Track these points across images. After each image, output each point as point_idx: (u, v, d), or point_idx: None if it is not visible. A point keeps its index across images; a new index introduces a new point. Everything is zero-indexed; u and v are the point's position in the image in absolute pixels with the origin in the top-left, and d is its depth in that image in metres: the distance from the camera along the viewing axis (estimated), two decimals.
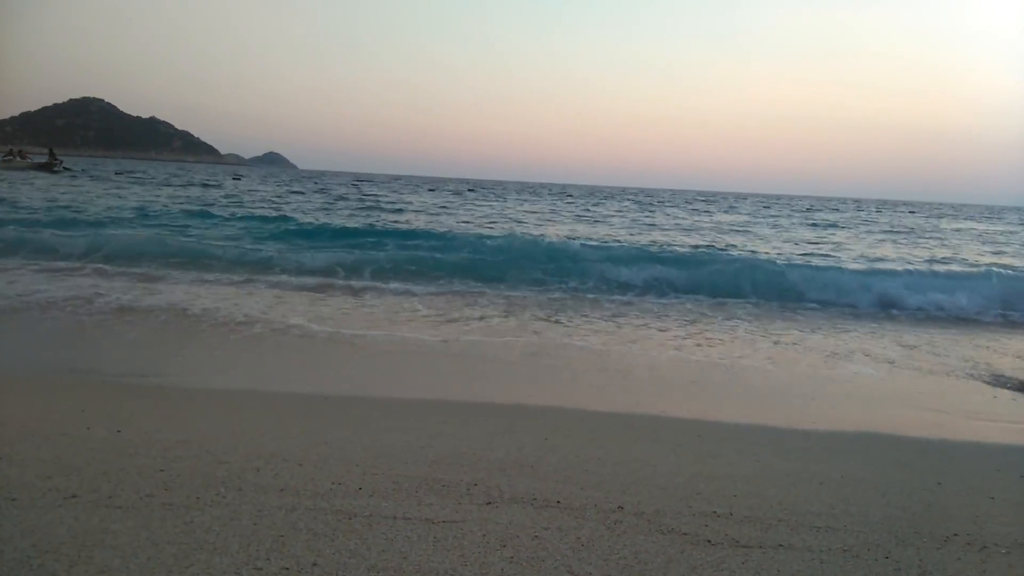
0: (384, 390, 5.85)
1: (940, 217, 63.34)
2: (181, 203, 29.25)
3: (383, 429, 4.54)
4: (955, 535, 3.38)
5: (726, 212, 50.55)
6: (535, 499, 3.46)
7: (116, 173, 61.28)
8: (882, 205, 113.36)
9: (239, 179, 62.95)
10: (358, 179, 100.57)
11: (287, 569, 2.57)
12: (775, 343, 9.08)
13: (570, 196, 67.28)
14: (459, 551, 2.80)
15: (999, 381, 7.57)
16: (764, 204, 75.94)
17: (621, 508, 3.43)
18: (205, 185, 48.61)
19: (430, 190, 64.92)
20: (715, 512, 3.47)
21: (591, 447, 4.44)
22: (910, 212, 65.87)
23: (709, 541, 3.10)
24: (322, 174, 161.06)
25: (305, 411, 4.94)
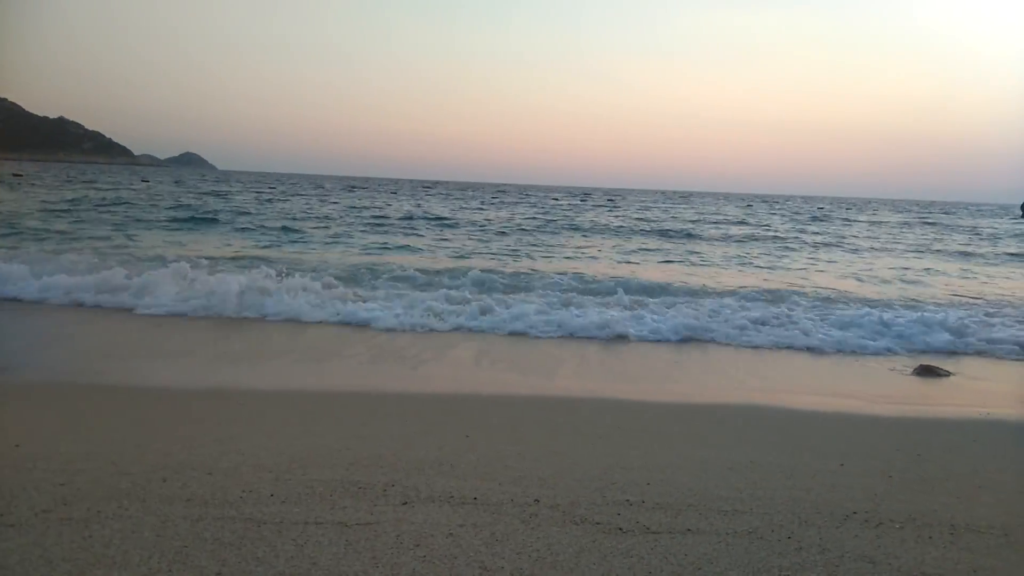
0: (306, 389, 5.73)
1: (847, 209, 66.45)
2: None
3: (301, 433, 4.45)
4: (854, 513, 3.54)
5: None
6: (452, 497, 3.46)
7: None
8: (795, 200, 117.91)
9: (147, 182, 59.63)
10: (279, 180, 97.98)
11: None
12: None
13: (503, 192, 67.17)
14: (371, 553, 2.78)
15: (901, 363, 7.98)
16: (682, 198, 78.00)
17: (537, 501, 3.46)
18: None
19: (353, 188, 63.90)
20: (628, 501, 3.54)
21: (512, 442, 4.47)
22: (818, 208, 68.90)
23: (620, 529, 3.17)
24: (244, 175, 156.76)
25: (220, 416, 4.80)
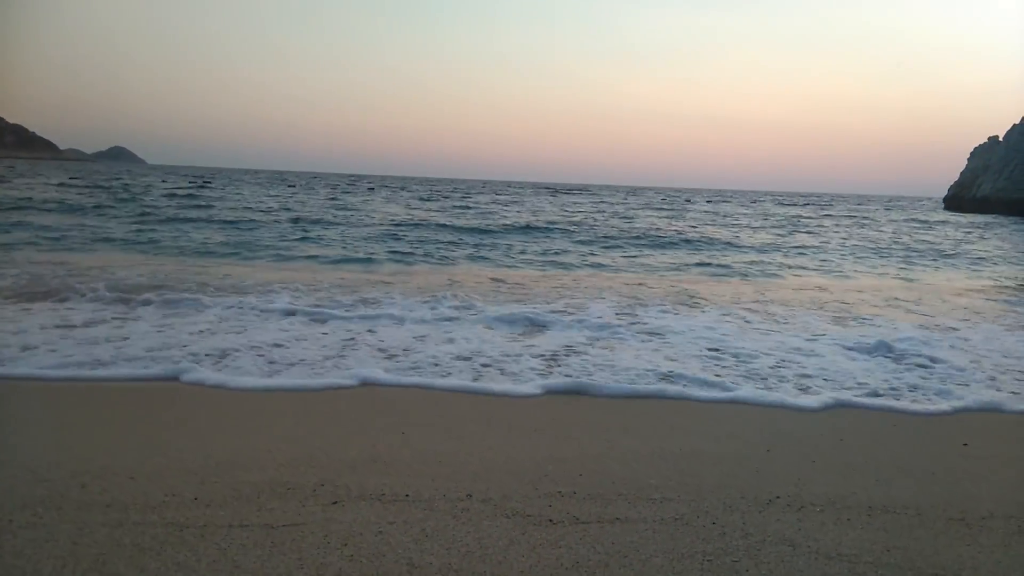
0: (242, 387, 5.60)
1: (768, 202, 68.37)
2: None
3: (231, 434, 4.36)
4: (777, 497, 3.65)
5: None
6: (383, 495, 3.44)
7: None
8: (740, 195, 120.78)
9: (76, 179, 56.04)
10: (212, 174, 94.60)
11: None
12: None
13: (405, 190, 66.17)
14: (297, 554, 2.74)
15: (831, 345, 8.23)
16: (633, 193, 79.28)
17: (470, 496, 3.47)
18: None
19: (293, 186, 62.63)
20: (560, 492, 3.58)
21: (447, 439, 4.46)
22: (752, 201, 70.87)
23: (551, 520, 3.20)
24: (174, 169, 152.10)
25: (146, 417, 4.65)
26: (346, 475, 3.69)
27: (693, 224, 32.40)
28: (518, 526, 3.12)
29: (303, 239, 19.02)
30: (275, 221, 23.89)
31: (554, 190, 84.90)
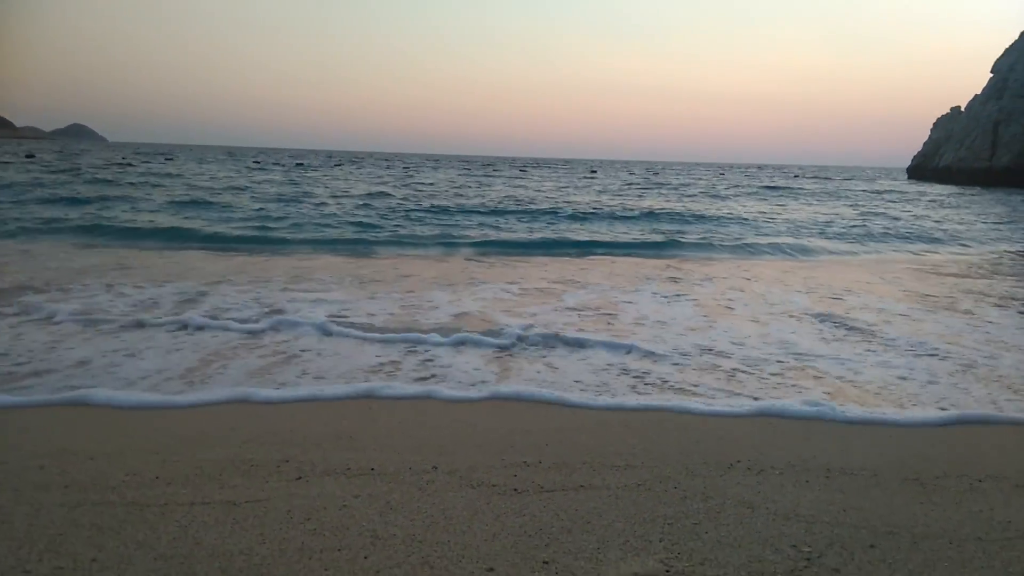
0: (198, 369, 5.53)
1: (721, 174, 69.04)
2: None
3: (192, 414, 4.31)
4: (738, 462, 3.71)
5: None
6: (349, 469, 3.44)
7: None
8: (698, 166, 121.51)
9: (32, 157, 53.68)
10: (172, 151, 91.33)
11: (61, 568, 2.40)
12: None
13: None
14: (259, 530, 2.73)
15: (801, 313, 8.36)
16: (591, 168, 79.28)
17: (435, 468, 3.48)
18: None
19: (257, 162, 61.56)
20: (526, 462, 3.60)
21: (414, 413, 4.46)
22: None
23: (516, 489, 3.22)
24: (138, 146, 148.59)
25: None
26: (311, 451, 3.68)
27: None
28: (483, 496, 3.14)
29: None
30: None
31: (522, 167, 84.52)
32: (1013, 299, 9.51)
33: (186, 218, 17.45)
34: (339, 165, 65.38)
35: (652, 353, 6.08)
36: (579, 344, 6.34)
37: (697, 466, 3.63)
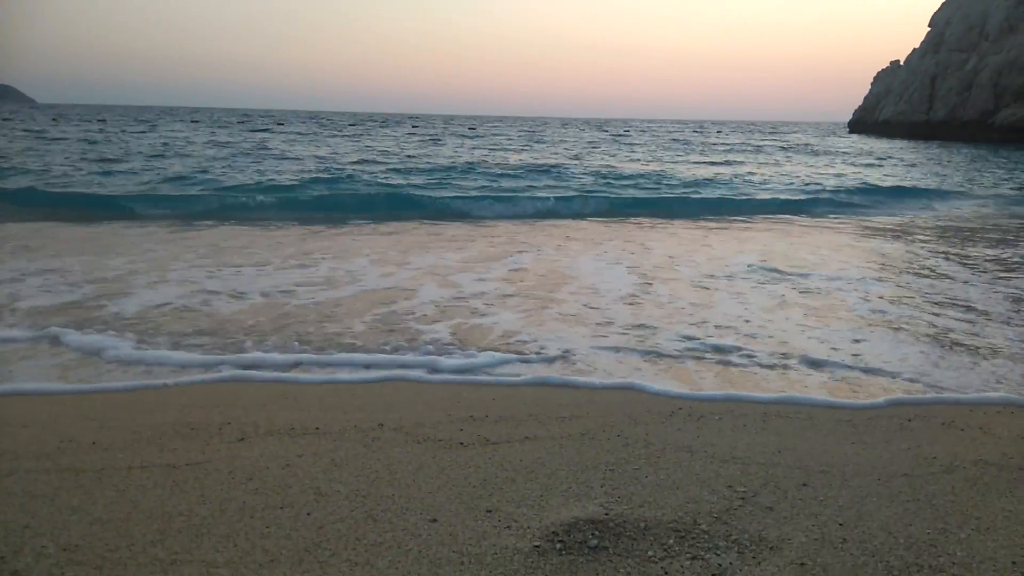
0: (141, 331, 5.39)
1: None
2: None
3: (132, 378, 4.21)
4: (680, 409, 3.80)
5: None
6: (293, 429, 3.41)
7: None
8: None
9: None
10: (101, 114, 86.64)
11: None
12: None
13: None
14: (199, 491, 2.70)
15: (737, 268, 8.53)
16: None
17: (381, 426, 3.48)
18: None
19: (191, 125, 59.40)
20: (472, 417, 3.62)
21: (363, 372, 4.44)
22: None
23: (461, 443, 3.24)
24: (73, 108, 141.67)
25: (32, 369, 4.45)
26: (254, 413, 3.63)
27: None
28: (428, 451, 3.16)
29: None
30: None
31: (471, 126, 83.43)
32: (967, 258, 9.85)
33: None
34: (279, 124, 63.60)
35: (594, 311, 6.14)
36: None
37: (640, 415, 3.70)
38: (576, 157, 28.90)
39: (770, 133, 72.49)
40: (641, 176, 20.78)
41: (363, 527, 2.42)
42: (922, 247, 10.30)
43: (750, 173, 23.83)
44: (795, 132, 74.42)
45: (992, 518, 2.54)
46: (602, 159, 28.22)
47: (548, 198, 15.07)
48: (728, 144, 46.21)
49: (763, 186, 19.77)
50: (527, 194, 15.87)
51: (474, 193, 15.74)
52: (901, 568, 2.18)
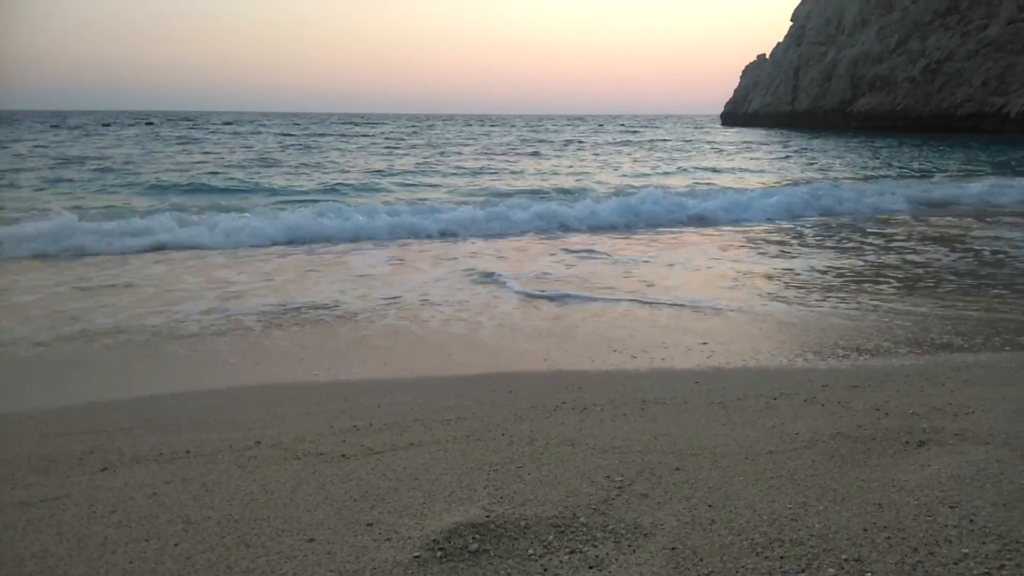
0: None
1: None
2: None
3: None
4: (563, 403, 3.86)
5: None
6: (161, 454, 3.23)
7: None
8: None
9: None
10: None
11: None
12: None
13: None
14: (56, 529, 2.52)
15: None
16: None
17: (259, 443, 3.35)
18: None
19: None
20: (356, 427, 3.55)
21: (232, 385, 4.28)
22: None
23: (343, 455, 3.17)
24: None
25: None
26: (119, 438, 3.43)
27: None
28: (308, 466, 3.07)
29: None
30: None
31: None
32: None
33: None
34: (150, 123, 60.10)
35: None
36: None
37: (524, 411, 3.74)
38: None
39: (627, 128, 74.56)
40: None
41: (235, 554, 2.32)
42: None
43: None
44: (656, 127, 76.76)
45: (847, 488, 2.72)
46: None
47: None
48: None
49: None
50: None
51: None
52: (764, 544, 2.30)
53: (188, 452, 3.24)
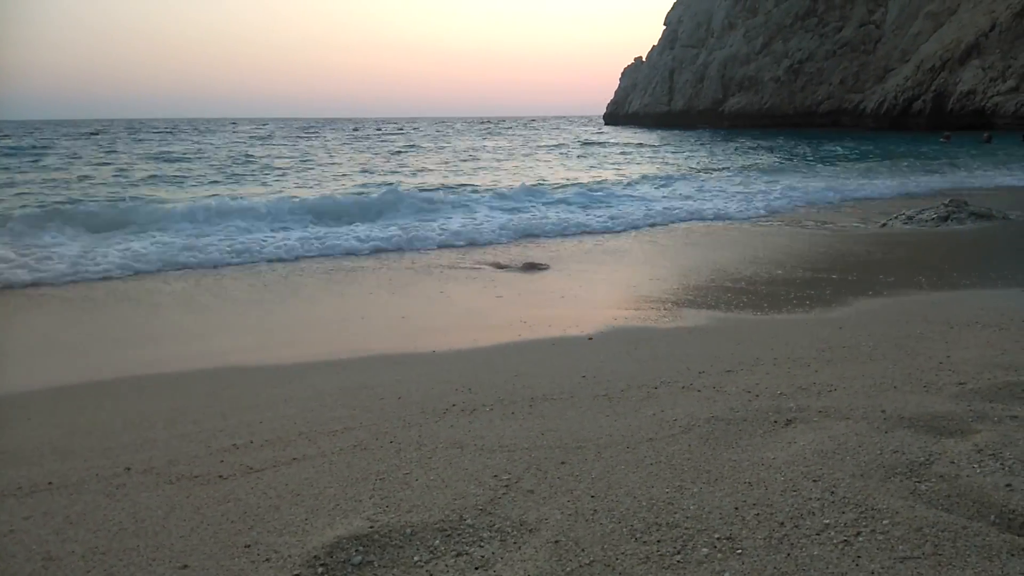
0: None
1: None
2: None
3: None
4: (453, 406, 3.85)
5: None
6: (20, 488, 3.00)
7: None
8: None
9: None
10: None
11: None
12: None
13: None
14: None
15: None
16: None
17: (128, 470, 3.17)
18: None
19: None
20: (235, 445, 3.41)
21: (95, 410, 4.01)
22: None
23: (221, 476, 3.04)
24: None
25: None
26: None
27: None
28: (183, 490, 2.93)
29: None
30: None
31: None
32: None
33: None
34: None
35: None
36: None
37: (414, 416, 3.70)
38: None
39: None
40: None
41: None
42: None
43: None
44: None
45: (720, 469, 2.85)
46: None
47: None
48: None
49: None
50: None
51: None
52: (643, 529, 2.38)
53: (51, 484, 3.02)
